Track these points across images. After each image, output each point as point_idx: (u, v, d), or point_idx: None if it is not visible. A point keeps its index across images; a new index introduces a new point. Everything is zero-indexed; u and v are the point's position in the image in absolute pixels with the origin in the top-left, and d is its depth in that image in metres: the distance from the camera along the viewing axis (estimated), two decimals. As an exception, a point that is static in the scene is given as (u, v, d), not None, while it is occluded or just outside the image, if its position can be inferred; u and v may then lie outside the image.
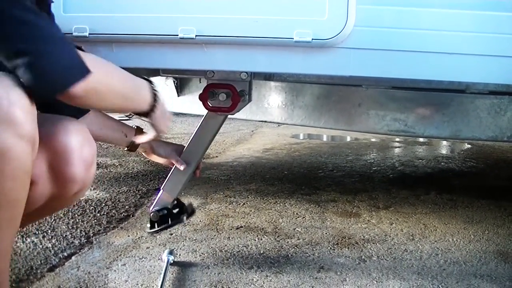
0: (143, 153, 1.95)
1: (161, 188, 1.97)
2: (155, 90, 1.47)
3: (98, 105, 1.36)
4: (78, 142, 1.32)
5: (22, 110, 1.14)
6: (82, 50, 1.31)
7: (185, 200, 2.61)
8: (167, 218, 1.93)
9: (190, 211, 2.03)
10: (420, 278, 1.82)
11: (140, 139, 1.67)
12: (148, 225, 1.93)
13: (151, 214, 1.92)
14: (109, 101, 1.31)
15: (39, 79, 1.12)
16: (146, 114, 1.45)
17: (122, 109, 1.49)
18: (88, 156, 1.36)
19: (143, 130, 1.82)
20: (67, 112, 1.37)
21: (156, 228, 1.92)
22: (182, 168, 1.93)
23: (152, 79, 1.56)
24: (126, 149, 1.86)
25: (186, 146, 1.97)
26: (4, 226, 1.23)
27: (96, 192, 2.73)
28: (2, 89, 1.13)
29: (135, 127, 1.85)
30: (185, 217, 2.00)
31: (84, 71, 1.17)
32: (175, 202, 1.98)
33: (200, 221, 2.33)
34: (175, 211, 1.97)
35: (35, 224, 2.16)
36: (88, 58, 1.20)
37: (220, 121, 1.96)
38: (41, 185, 1.31)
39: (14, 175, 1.17)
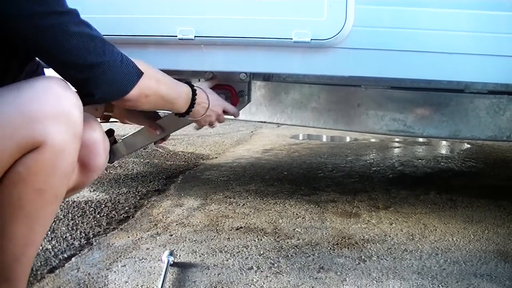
0: (118, 121, 2.00)
1: (121, 139, 2.02)
2: (194, 97, 1.61)
3: (146, 107, 1.48)
4: (101, 135, 1.43)
5: (79, 110, 1.23)
6: None
7: (186, 201, 2.61)
8: None
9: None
10: (420, 278, 1.82)
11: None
12: None
13: None
14: (153, 103, 1.46)
15: (108, 87, 1.28)
16: (183, 115, 1.65)
17: (159, 109, 1.67)
18: (107, 147, 1.48)
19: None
20: None
21: None
22: (158, 132, 2.01)
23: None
24: (100, 120, 1.91)
25: (166, 117, 2.01)
26: (45, 220, 1.30)
27: (95, 194, 2.73)
28: (62, 90, 1.21)
29: None
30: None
31: (139, 75, 1.34)
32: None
33: (200, 222, 2.33)
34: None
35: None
36: (139, 64, 1.36)
37: None
38: (73, 176, 1.38)
39: (66, 172, 1.26)
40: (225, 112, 1.83)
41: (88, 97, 1.26)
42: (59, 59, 1.23)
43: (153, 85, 1.41)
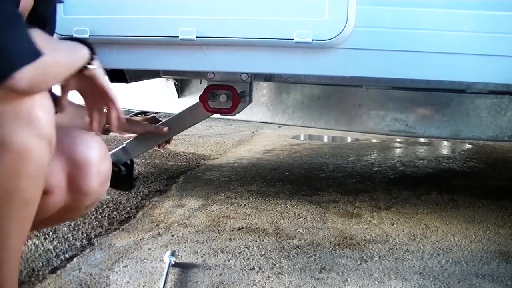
0: (117, 134, 1.98)
1: (125, 143, 2.02)
2: (87, 43, 1.37)
3: (44, 86, 1.20)
4: (97, 156, 1.36)
5: (44, 111, 1.15)
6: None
7: (187, 201, 2.61)
8: (113, 176, 1.98)
9: (132, 184, 2.07)
10: (422, 278, 1.82)
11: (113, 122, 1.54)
12: None
13: None
14: (53, 79, 1.24)
15: None
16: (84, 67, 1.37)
17: (67, 76, 1.34)
18: (105, 171, 1.40)
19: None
20: None
21: None
22: (166, 130, 2.00)
23: (154, 81, 1.58)
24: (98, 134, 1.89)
25: (169, 119, 2.02)
26: (16, 225, 1.24)
27: (97, 194, 2.73)
28: None
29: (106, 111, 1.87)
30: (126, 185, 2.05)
31: (35, 55, 1.09)
32: (129, 163, 2.01)
33: (201, 222, 2.33)
34: (123, 172, 2.00)
35: (34, 231, 2.16)
36: (38, 38, 1.13)
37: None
38: (57, 195, 1.34)
39: (31, 175, 1.18)
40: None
41: None
42: None
43: (51, 59, 1.17)
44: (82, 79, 1.39)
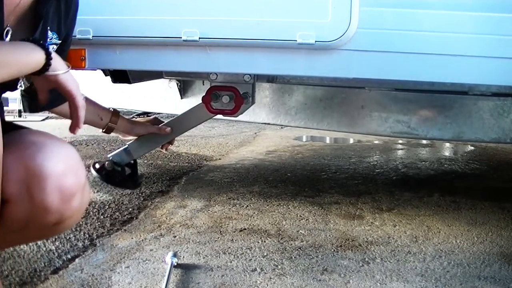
0: (119, 135, 1.98)
1: (127, 144, 2.03)
2: (41, 44, 1.23)
3: None
4: (57, 168, 1.22)
5: None
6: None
7: (189, 202, 2.61)
8: (117, 176, 1.97)
9: (139, 181, 2.07)
10: (424, 280, 1.82)
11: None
12: (97, 166, 1.95)
13: (107, 163, 1.94)
14: None
15: None
16: (43, 70, 1.23)
17: (11, 76, 1.20)
18: (69, 187, 1.25)
19: (119, 114, 1.85)
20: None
21: (101, 178, 1.95)
22: (168, 130, 2.01)
23: (157, 81, 1.57)
24: (102, 131, 1.89)
25: (172, 120, 2.02)
26: None
27: (99, 195, 2.73)
28: None
29: (112, 110, 1.86)
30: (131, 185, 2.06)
31: None
32: (133, 162, 2.02)
33: (203, 223, 2.33)
34: (127, 172, 2.01)
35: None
36: None
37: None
38: (17, 205, 1.22)
39: None
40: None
41: None
42: None
43: None
44: (49, 81, 1.27)
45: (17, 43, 1.22)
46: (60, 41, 1.42)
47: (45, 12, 1.33)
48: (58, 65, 1.26)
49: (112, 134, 2.05)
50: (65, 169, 1.23)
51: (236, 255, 1.99)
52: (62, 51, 1.44)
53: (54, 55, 1.25)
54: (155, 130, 2.02)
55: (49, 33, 1.37)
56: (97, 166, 1.95)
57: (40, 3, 1.31)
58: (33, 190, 1.20)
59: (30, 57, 1.20)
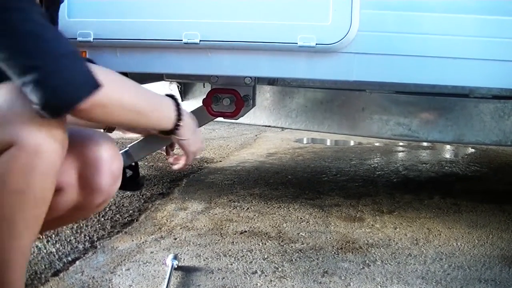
0: (120, 131, 1.98)
1: (128, 146, 2.02)
2: (179, 108, 1.42)
3: (106, 119, 1.33)
4: (109, 155, 1.36)
5: None
6: (93, 63, 1.32)
7: (190, 204, 2.61)
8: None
9: (140, 182, 2.06)
10: (425, 283, 1.82)
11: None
12: None
13: None
14: (118, 116, 1.28)
15: (47, 97, 1.09)
16: (170, 132, 1.43)
17: (138, 125, 1.51)
18: (116, 170, 1.39)
19: None
20: None
21: None
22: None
23: (157, 83, 1.57)
24: (103, 130, 1.89)
25: None
26: (27, 224, 1.25)
27: (100, 197, 2.73)
28: None
29: None
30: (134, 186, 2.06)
31: (93, 86, 1.14)
32: (133, 164, 2.02)
33: (204, 225, 2.33)
34: (128, 174, 2.01)
35: (44, 232, 2.16)
36: (100, 72, 1.18)
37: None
38: (69, 193, 1.34)
39: (45, 174, 1.20)
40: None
41: (33, 104, 1.11)
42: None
43: (115, 96, 1.23)
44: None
45: (162, 97, 1.41)
46: None
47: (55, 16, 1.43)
48: (186, 129, 1.45)
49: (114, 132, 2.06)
50: (112, 154, 1.38)
51: (237, 257, 1.99)
52: None
53: (185, 119, 1.43)
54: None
55: None
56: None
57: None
58: (90, 175, 1.34)
59: (165, 118, 1.40)
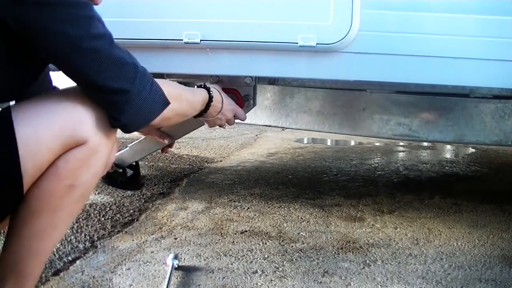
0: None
1: (128, 146, 2.03)
2: (210, 102, 1.64)
3: (167, 124, 1.52)
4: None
5: None
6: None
7: (190, 204, 2.61)
8: (119, 178, 1.97)
9: (141, 182, 2.06)
10: (425, 283, 1.82)
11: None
12: None
13: None
14: (174, 122, 1.47)
15: (133, 115, 1.25)
16: (196, 116, 1.64)
17: (187, 118, 1.60)
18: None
19: None
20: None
21: (103, 180, 1.96)
22: (166, 141, 2.01)
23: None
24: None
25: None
26: (68, 218, 1.33)
27: (100, 197, 2.73)
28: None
29: None
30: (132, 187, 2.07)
31: (164, 105, 1.32)
32: (134, 164, 2.02)
33: (204, 225, 2.33)
34: (129, 173, 2.01)
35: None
36: (164, 86, 1.33)
37: None
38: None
39: (97, 172, 1.30)
40: (235, 116, 1.85)
41: (114, 121, 1.25)
42: (85, 80, 1.22)
43: (176, 107, 1.40)
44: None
45: (200, 91, 1.63)
46: None
47: None
48: (213, 110, 1.69)
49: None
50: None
51: (237, 257, 1.99)
52: None
53: (214, 102, 1.66)
54: (157, 136, 2.01)
55: None
56: None
57: None
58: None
59: (198, 100, 1.60)
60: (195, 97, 1.58)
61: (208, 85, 1.67)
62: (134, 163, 2.03)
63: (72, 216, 1.34)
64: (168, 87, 1.37)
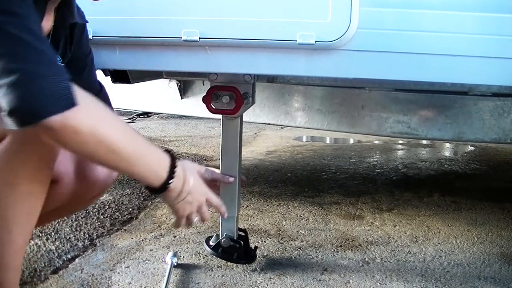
0: None
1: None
2: (173, 167, 1.27)
3: (79, 150, 1.10)
4: None
5: None
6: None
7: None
8: (235, 251, 1.84)
9: (252, 253, 1.92)
10: (424, 280, 1.82)
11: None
12: (211, 242, 1.86)
13: (223, 240, 1.83)
14: (93, 150, 1.10)
15: (17, 102, 0.98)
16: (158, 191, 1.27)
17: (118, 169, 1.25)
18: None
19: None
20: None
21: (216, 253, 1.84)
22: (231, 180, 1.79)
23: (157, 81, 1.55)
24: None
25: (220, 160, 1.89)
26: (20, 219, 1.23)
27: (99, 195, 2.73)
28: None
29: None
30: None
31: (68, 104, 1.02)
32: (243, 234, 1.89)
33: (203, 223, 2.33)
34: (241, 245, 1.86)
35: (39, 227, 2.16)
36: (83, 95, 1.07)
37: (237, 121, 1.93)
38: (65, 184, 1.35)
39: (38, 167, 1.21)
40: (208, 202, 1.47)
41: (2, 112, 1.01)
42: None
43: (91, 122, 1.07)
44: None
45: (156, 150, 1.26)
46: (63, 63, 1.39)
47: (58, 41, 1.36)
48: (175, 193, 1.30)
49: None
50: None
51: (236, 255, 1.99)
52: (80, 70, 1.48)
53: (175, 182, 1.27)
54: (219, 178, 1.78)
55: None
56: (211, 243, 1.83)
57: (54, 33, 1.34)
58: (86, 167, 1.35)
59: (151, 173, 1.23)
60: (142, 143, 1.21)
61: (179, 161, 1.32)
62: (243, 233, 1.91)
63: (25, 217, 1.23)
64: (95, 104, 1.12)
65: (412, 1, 1.74)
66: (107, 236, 2.16)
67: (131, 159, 1.16)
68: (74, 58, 1.43)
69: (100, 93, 1.57)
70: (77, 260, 1.92)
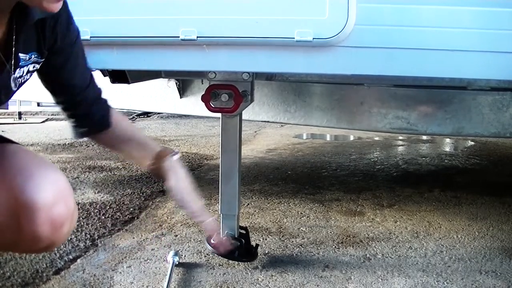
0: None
1: (220, 212, 1.91)
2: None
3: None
4: (48, 200, 1.17)
5: None
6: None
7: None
8: (236, 249, 1.83)
9: (253, 251, 1.91)
10: (425, 275, 1.82)
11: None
12: (213, 242, 1.85)
13: (225, 239, 1.83)
14: None
15: None
16: None
17: None
18: (59, 216, 1.20)
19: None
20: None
21: (218, 254, 1.84)
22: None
23: (156, 81, 1.54)
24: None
25: (220, 158, 1.91)
26: None
27: (100, 195, 2.73)
28: None
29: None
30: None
31: None
32: (244, 232, 1.90)
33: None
34: (242, 243, 1.86)
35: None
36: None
37: (237, 119, 1.93)
38: (4, 233, 1.19)
39: None
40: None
41: None
42: None
43: None
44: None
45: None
46: (42, 59, 1.31)
47: (14, 40, 1.22)
48: None
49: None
50: (55, 198, 1.18)
51: (238, 253, 1.99)
52: (60, 67, 1.39)
53: None
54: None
55: (22, 55, 1.23)
56: (213, 242, 1.83)
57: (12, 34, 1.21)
58: (23, 221, 1.15)
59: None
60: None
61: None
62: (244, 232, 1.92)
63: None
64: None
65: (409, -4, 1.74)
66: (109, 236, 2.16)
67: None
68: (58, 50, 1.34)
69: (99, 99, 1.50)
70: (78, 260, 1.92)
